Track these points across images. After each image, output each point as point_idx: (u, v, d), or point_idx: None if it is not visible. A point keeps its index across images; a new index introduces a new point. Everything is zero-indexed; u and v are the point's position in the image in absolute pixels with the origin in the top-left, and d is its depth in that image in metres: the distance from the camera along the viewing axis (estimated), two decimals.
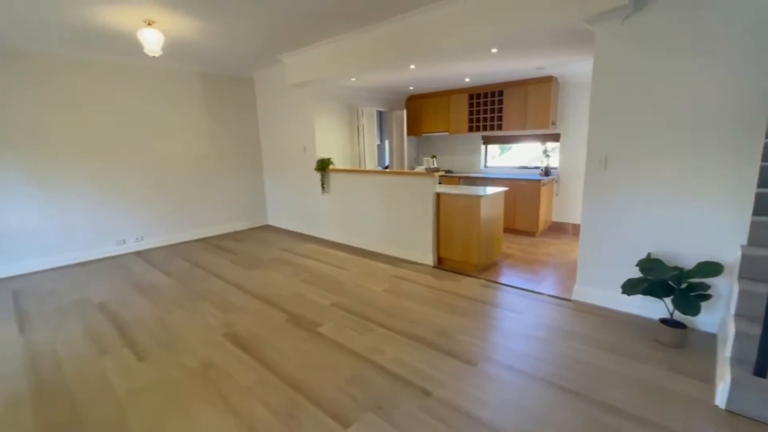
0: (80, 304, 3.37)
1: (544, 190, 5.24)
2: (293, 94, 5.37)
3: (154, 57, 4.25)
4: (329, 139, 5.47)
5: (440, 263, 4.17)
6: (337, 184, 5.09)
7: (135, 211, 5.02)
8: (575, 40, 3.45)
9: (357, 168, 5.79)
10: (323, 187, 5.19)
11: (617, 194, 2.85)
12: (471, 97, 6.04)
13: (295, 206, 5.87)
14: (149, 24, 3.36)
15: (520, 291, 3.42)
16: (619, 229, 2.87)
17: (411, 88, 6.16)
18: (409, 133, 6.82)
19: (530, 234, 5.36)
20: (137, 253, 4.97)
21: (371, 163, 6.10)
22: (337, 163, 5.39)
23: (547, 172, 5.53)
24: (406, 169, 6.35)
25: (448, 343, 2.57)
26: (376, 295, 3.39)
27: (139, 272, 4.23)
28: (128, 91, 4.80)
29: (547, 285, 3.54)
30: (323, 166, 5.12)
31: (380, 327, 2.81)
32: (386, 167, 7.17)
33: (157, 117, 5.08)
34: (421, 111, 6.75)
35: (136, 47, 4.03)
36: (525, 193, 5.28)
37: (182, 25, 3.51)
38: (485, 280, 3.70)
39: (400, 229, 4.41)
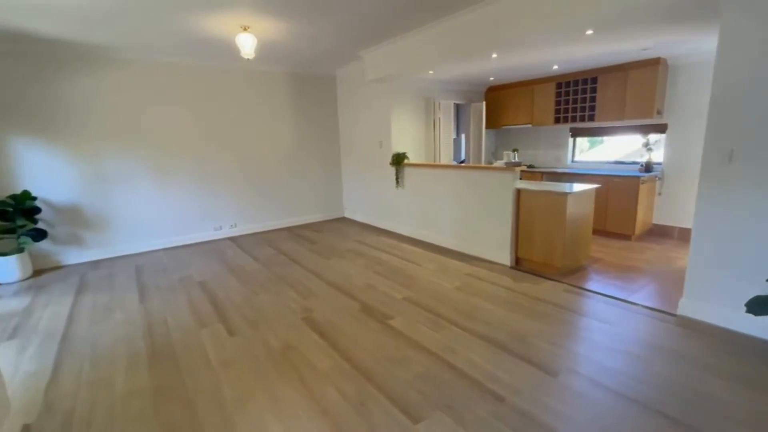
0: (185, 282, 3.85)
1: (643, 189, 4.64)
2: (371, 89, 5.47)
3: (248, 60, 4.65)
4: (405, 134, 5.48)
5: (518, 264, 3.93)
6: (412, 179, 5.08)
7: (230, 201, 5.58)
8: (693, 14, 2.96)
9: (432, 163, 5.72)
10: (398, 182, 5.23)
11: (745, 193, 2.39)
12: (559, 85, 5.56)
13: (370, 200, 6.01)
14: (245, 29, 3.66)
15: (611, 300, 3.08)
16: (746, 236, 2.42)
17: (491, 78, 5.88)
18: (488, 126, 6.53)
19: (625, 237, 4.80)
20: (231, 239, 5.52)
21: (446, 158, 5.98)
22: (412, 158, 5.38)
23: (648, 167, 4.88)
24: (483, 164, 6.11)
25: (526, 348, 2.41)
26: (449, 292, 3.32)
27: (232, 256, 4.70)
28: (226, 92, 5.33)
29: (645, 295, 3.13)
30: (398, 160, 5.15)
31: (452, 325, 2.75)
32: (462, 162, 6.97)
33: (250, 115, 5.56)
34: (501, 102, 6.42)
35: (232, 51, 4.44)
36: (620, 191, 4.72)
37: (273, 29, 3.77)
38: (569, 284, 3.41)
39: (475, 226, 4.26)
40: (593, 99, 5.18)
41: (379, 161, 5.58)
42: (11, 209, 3.89)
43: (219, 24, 3.56)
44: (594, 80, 5.14)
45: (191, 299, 3.39)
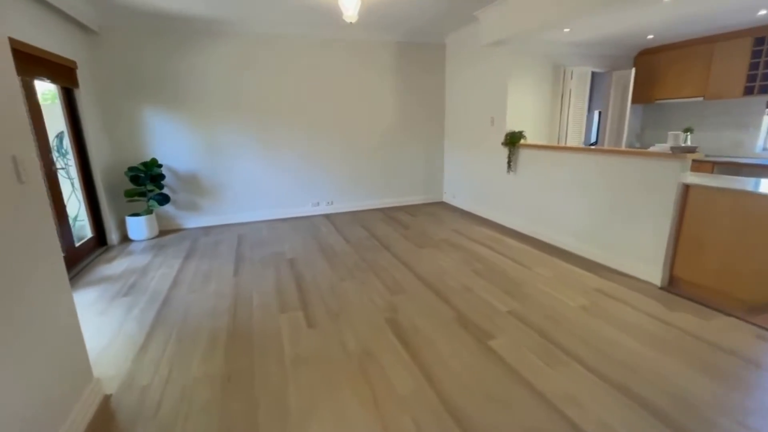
0: (276, 258, 3.82)
1: None
2: (486, 56, 4.70)
3: (352, 28, 4.32)
4: (523, 109, 4.61)
5: (673, 284, 2.94)
6: (528, 163, 4.26)
7: (329, 177, 5.50)
8: None
9: (556, 144, 4.75)
10: (509, 166, 4.45)
11: None
12: (759, 42, 4.01)
13: (473, 184, 5.34)
14: None
15: None
16: None
17: (649, 37, 4.56)
18: (634, 100, 5.19)
19: None
20: (326, 216, 5.47)
21: (575, 139, 4.92)
22: (530, 138, 4.51)
23: None
24: (624, 147, 4.88)
25: (696, 423, 1.63)
26: (570, 312, 2.59)
27: (325, 233, 4.59)
28: (329, 63, 5.13)
29: None
30: (513, 140, 4.35)
31: (575, 362, 2.07)
32: (591, 144, 5.75)
33: (353, 88, 5.31)
34: (658, 69, 5.00)
35: (337, 20, 4.14)
36: None
37: None
38: (765, 329, 2.36)
39: (612, 227, 3.32)
40: None
41: (489, 141, 4.84)
42: (143, 175, 4.32)
43: None
44: None
45: (279, 277, 3.31)
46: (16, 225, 1.38)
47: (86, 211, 4.08)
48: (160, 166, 4.50)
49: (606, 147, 4.83)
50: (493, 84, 4.66)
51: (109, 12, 4.03)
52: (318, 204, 5.54)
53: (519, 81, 4.52)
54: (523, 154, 4.31)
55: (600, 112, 5.57)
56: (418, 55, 5.52)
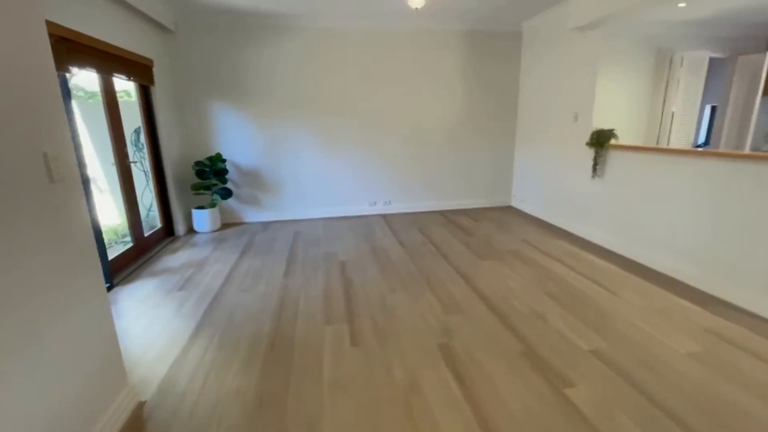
0: (329, 259, 3.66)
1: None
2: (572, 42, 4.08)
3: (417, 17, 4.00)
4: (615, 103, 3.94)
5: None
6: (619, 167, 3.61)
7: (388, 176, 5.26)
8: None
9: (657, 146, 3.99)
10: (595, 169, 3.81)
11: None
12: None
13: (548, 189, 4.73)
14: None
15: None
16: None
17: None
18: (766, 92, 4.20)
19: None
20: (383, 216, 5.24)
21: (682, 139, 4.11)
22: (623, 138, 3.82)
23: None
24: (748, 150, 3.96)
25: None
26: (675, 359, 2.04)
27: (380, 236, 4.35)
28: (392, 56, 4.86)
29: None
30: (601, 140, 3.72)
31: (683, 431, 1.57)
32: (699, 146, 4.80)
33: (416, 82, 4.99)
34: None
35: (401, 9, 3.85)
36: None
37: None
38: None
39: (730, 248, 2.63)
40: None
41: (570, 140, 4.23)
42: (207, 169, 4.44)
43: None
44: None
45: (328, 282, 3.13)
46: (46, 227, 1.30)
47: (157, 202, 4.29)
48: (224, 161, 4.60)
49: (727, 150, 3.95)
50: (579, 74, 4.03)
51: (185, 11, 4.17)
52: (375, 203, 5.33)
53: (611, 70, 3.85)
54: (613, 157, 3.66)
55: (714, 107, 4.61)
56: (490, 44, 5.02)
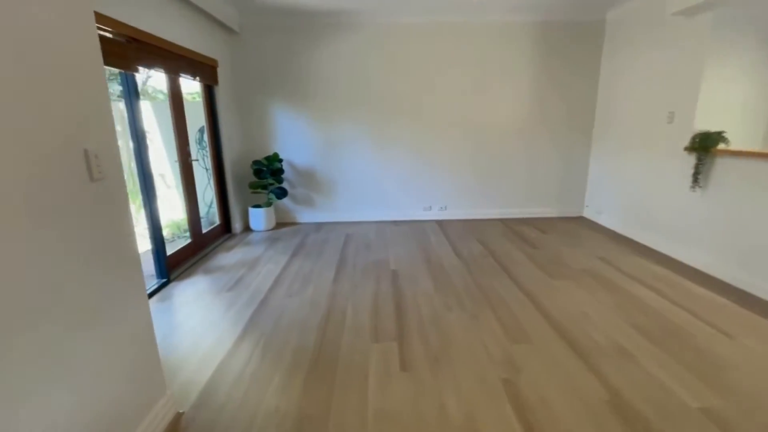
0: (379, 266, 3.46)
1: None
2: (671, 30, 3.50)
3: (485, 7, 3.67)
4: (725, 101, 3.29)
5: None
6: (729, 176, 2.99)
7: (444, 179, 4.96)
8: None
9: None
10: (696, 179, 3.21)
11: None
12: None
13: (631, 200, 4.13)
14: None
15: None
16: None
17: None
18: None
19: None
20: (438, 222, 4.94)
21: None
22: (735, 142, 3.17)
23: None
24: None
25: None
26: None
27: (434, 244, 4.07)
28: (456, 52, 4.55)
29: None
30: (706, 144, 3.12)
31: None
32: None
33: (480, 80, 4.64)
34: None
35: (465, 2, 3.55)
36: None
37: None
38: None
39: None
40: None
41: (662, 144, 3.63)
42: (264, 169, 4.46)
43: None
44: None
45: (378, 292, 2.93)
46: (83, 227, 1.22)
47: (216, 200, 4.39)
48: (281, 160, 4.61)
49: None
50: (679, 67, 3.44)
51: (249, 12, 4.22)
52: (430, 208, 5.06)
53: (720, 61, 3.21)
54: (722, 165, 3.05)
55: None
56: (568, 36, 4.51)
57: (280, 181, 4.64)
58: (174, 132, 3.51)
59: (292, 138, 4.76)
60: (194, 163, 3.92)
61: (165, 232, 4.66)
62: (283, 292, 2.95)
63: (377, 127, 4.75)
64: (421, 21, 4.42)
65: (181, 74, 3.47)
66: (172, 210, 4.54)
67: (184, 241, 3.76)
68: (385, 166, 4.89)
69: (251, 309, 2.70)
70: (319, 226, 4.87)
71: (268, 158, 4.52)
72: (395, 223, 4.95)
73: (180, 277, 3.31)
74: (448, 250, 3.88)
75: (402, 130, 4.77)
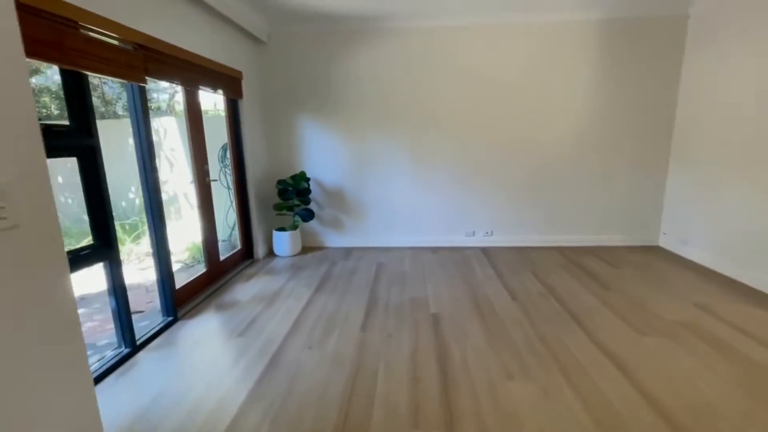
0: (417, 307, 2.90)
1: None
2: None
3: (539, 7, 3.11)
4: None
5: None
6: None
7: (490, 201, 4.35)
8: None
9: None
10: None
11: None
12: None
13: (732, 229, 3.34)
14: None
15: None
16: None
17: None
18: None
19: None
20: (483, 249, 4.32)
21: None
22: None
23: None
24: None
25: None
26: None
27: (481, 278, 3.47)
28: (504, 58, 4.00)
29: None
30: None
31: None
32: None
33: (531, 89, 4.04)
34: None
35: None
36: None
37: None
38: None
39: None
40: None
41: None
42: (290, 189, 4.07)
43: None
44: None
45: (416, 347, 2.36)
46: None
47: (238, 223, 4.04)
48: (308, 179, 4.20)
49: None
50: None
51: (278, 21, 3.91)
52: (473, 234, 4.45)
53: None
54: None
55: None
56: (638, 35, 3.85)
57: (307, 202, 4.23)
58: (190, 149, 3.18)
59: (320, 155, 4.35)
60: (215, 183, 3.59)
61: (185, 256, 4.41)
62: (302, 342, 2.45)
63: (414, 142, 4.25)
64: (463, 24, 3.92)
65: (200, 86, 3.16)
66: (197, 232, 4.25)
67: (197, 270, 3.39)
68: (422, 186, 4.36)
69: (263, 364, 2.22)
70: (348, 251, 4.39)
71: (294, 177, 4.13)
72: (433, 250, 4.38)
73: (190, 313, 2.91)
74: (498, 286, 3.26)
75: (441, 144, 4.24)
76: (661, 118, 4.01)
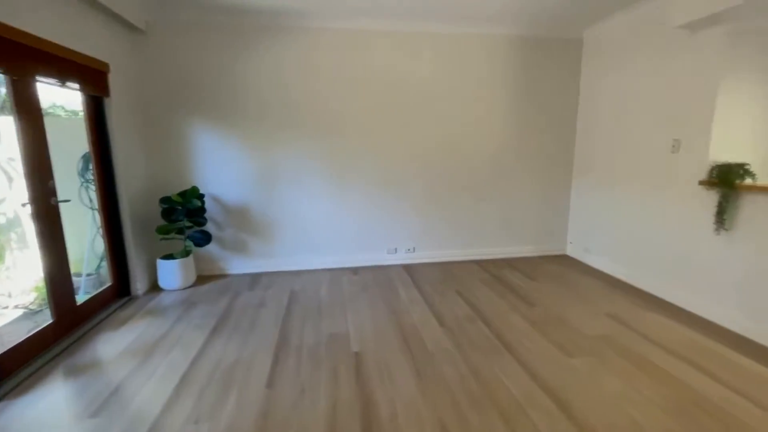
0: (336, 347, 2.49)
1: None
2: (673, 46, 3.05)
3: (447, 13, 3.02)
4: (742, 128, 2.84)
5: None
6: (763, 218, 2.47)
7: (411, 217, 4.14)
8: None
9: None
10: (721, 220, 2.67)
11: None
12: None
13: (630, 239, 3.58)
14: None
15: None
16: None
17: None
18: None
19: None
20: (405, 267, 4.09)
21: None
22: (760, 174, 2.69)
23: None
24: None
25: None
26: None
27: (406, 302, 3.19)
28: (416, 70, 3.86)
29: None
30: (728, 178, 2.61)
31: None
32: None
33: (446, 102, 3.97)
34: None
35: (429, 6, 2.87)
36: None
37: None
38: None
39: None
40: None
41: (667, 176, 3.13)
42: (179, 208, 3.36)
43: None
44: None
45: (336, 403, 1.95)
46: None
47: (106, 252, 3.19)
48: (202, 196, 3.52)
49: None
50: (685, 89, 2.97)
51: (160, 5, 3.22)
52: (395, 251, 4.19)
53: (737, 81, 2.77)
54: (752, 203, 2.53)
55: None
56: (546, 54, 4.02)
57: (202, 222, 3.54)
58: (24, 160, 2.35)
59: (218, 168, 3.71)
60: (70, 204, 2.76)
61: (30, 298, 3.36)
62: (186, 414, 1.87)
63: (327, 153, 3.87)
64: (376, 27, 3.69)
65: (37, 77, 2.36)
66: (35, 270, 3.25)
67: (37, 324, 2.52)
68: (338, 200, 3.98)
69: None
70: (255, 278, 3.80)
71: (183, 194, 3.42)
72: (354, 270, 4.01)
73: (20, 388, 2.09)
74: (424, 311, 3.02)
75: (358, 157, 3.93)
76: (566, 133, 4.24)
